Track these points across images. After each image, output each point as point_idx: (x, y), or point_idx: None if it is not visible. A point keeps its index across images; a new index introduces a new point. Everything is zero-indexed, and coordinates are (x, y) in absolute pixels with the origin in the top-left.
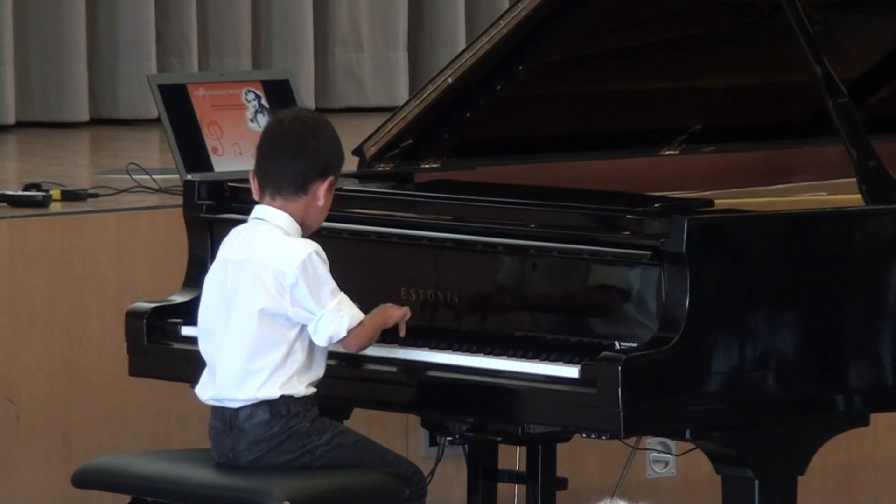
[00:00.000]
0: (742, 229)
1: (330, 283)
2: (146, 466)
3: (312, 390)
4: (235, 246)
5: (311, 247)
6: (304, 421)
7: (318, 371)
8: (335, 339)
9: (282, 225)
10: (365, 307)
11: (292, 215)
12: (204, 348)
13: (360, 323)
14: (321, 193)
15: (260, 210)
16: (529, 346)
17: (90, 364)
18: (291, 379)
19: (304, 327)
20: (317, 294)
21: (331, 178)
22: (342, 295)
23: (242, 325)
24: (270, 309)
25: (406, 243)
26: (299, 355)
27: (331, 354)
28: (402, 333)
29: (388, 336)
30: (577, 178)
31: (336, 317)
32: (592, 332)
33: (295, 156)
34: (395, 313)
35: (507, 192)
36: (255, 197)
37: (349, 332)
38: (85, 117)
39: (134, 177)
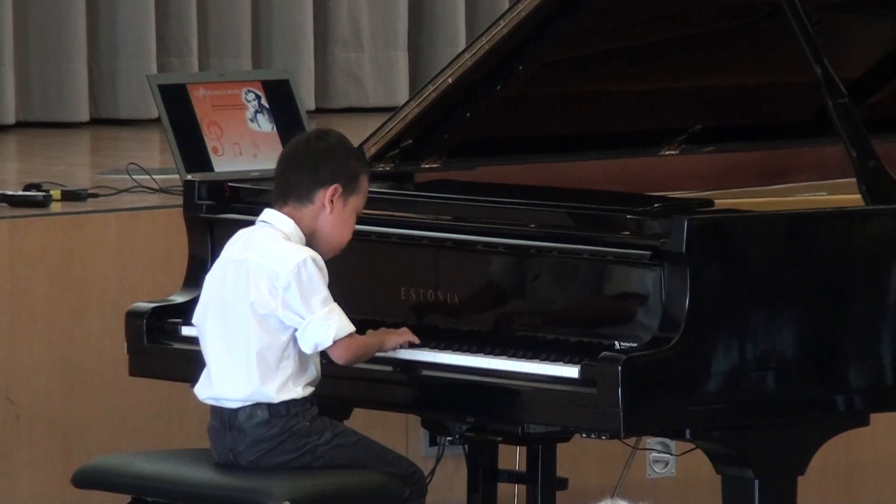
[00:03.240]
0: (742, 229)
1: (323, 292)
2: (146, 466)
3: (311, 390)
4: (238, 246)
5: (308, 253)
6: (304, 420)
7: (313, 373)
8: (320, 348)
9: (285, 230)
10: (365, 307)
11: (299, 223)
12: (202, 346)
13: (350, 335)
14: (326, 201)
15: (267, 214)
16: (529, 346)
17: (90, 364)
18: (287, 383)
19: (295, 332)
20: (308, 300)
21: (335, 186)
22: (335, 305)
23: (238, 326)
24: (259, 307)
25: (406, 243)
26: (291, 360)
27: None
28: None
29: None
30: (577, 178)
31: (324, 325)
32: (592, 332)
33: (303, 165)
34: (394, 339)
35: (507, 192)
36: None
37: (335, 342)
38: (85, 117)
39: (134, 177)
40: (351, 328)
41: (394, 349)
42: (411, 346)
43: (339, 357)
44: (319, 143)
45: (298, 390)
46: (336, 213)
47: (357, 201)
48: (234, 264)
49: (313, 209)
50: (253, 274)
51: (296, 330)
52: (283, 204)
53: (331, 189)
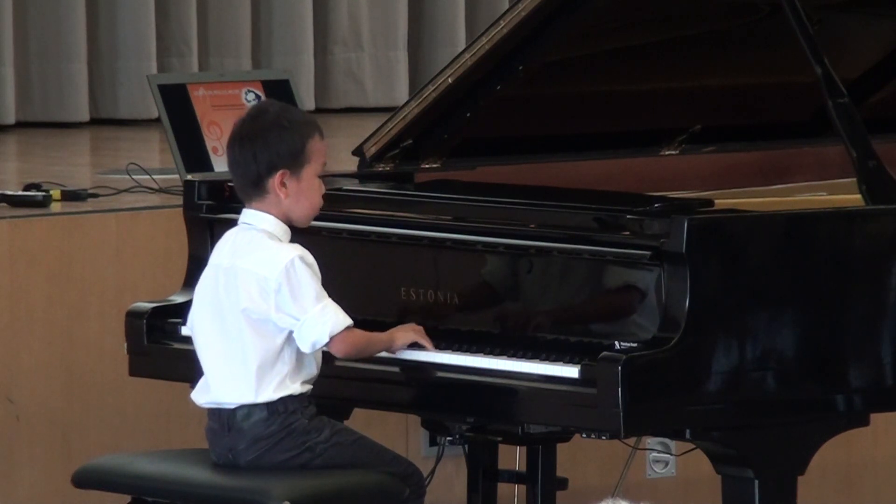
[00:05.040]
0: (742, 229)
1: (314, 289)
2: (146, 466)
3: (308, 387)
4: (225, 252)
5: (296, 252)
6: (303, 418)
7: (311, 370)
8: (318, 346)
9: (267, 228)
10: (365, 307)
11: (273, 214)
12: (198, 352)
13: (349, 328)
14: (278, 188)
15: (246, 214)
16: (529, 346)
17: (90, 364)
18: (284, 381)
19: (291, 334)
20: (300, 300)
21: (282, 172)
22: (328, 301)
23: (232, 332)
24: (252, 313)
25: (406, 243)
26: (287, 360)
27: (332, 354)
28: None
29: None
30: (577, 178)
31: (318, 322)
32: (592, 332)
33: (241, 163)
34: (405, 337)
35: (507, 192)
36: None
37: (332, 337)
38: (85, 117)
39: (134, 177)
40: (347, 321)
41: (404, 346)
42: (409, 346)
43: (338, 351)
44: (253, 127)
45: (296, 387)
46: (293, 192)
47: (312, 167)
48: (224, 271)
49: (272, 197)
50: (242, 280)
51: (291, 332)
52: (249, 200)
53: (277, 177)
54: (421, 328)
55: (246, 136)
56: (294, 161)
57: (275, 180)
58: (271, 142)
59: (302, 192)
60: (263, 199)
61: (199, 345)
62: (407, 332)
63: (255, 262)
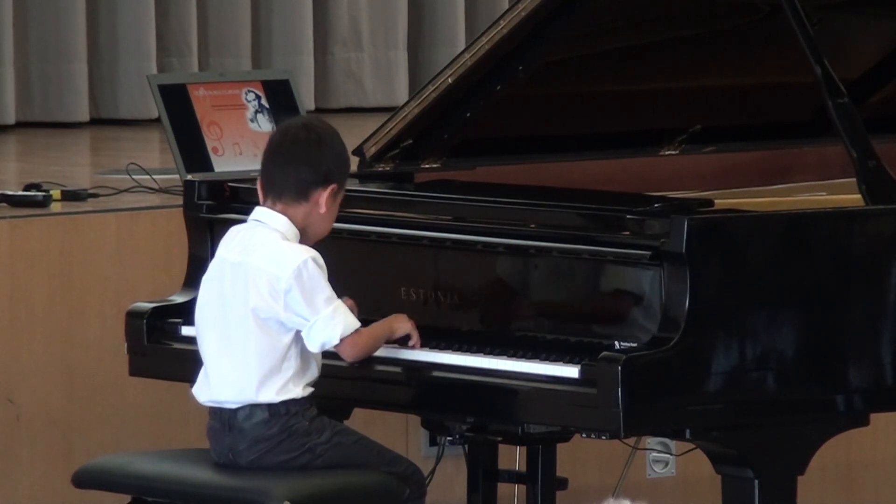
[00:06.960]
0: (742, 229)
1: (326, 291)
2: (146, 466)
3: (310, 390)
4: (233, 247)
5: (308, 253)
6: (304, 420)
7: (314, 372)
8: (327, 346)
9: (279, 229)
10: (365, 307)
11: (292, 220)
12: (200, 347)
13: (357, 331)
14: (322, 201)
15: (259, 212)
16: (529, 346)
17: (90, 364)
18: (287, 384)
19: (298, 333)
20: (311, 300)
21: (333, 186)
22: (339, 302)
23: (237, 329)
24: (261, 312)
25: (406, 243)
26: (293, 361)
27: (332, 354)
28: (417, 346)
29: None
30: (577, 178)
31: (329, 324)
32: (592, 332)
33: (298, 163)
34: (403, 325)
35: (507, 192)
36: (262, 201)
37: (342, 339)
38: (85, 117)
39: (134, 177)
40: (356, 324)
41: (404, 333)
42: (412, 345)
43: (347, 354)
44: (310, 135)
45: (298, 390)
46: (328, 208)
47: (342, 194)
48: (231, 266)
49: (307, 206)
50: (252, 277)
51: (299, 331)
52: (277, 201)
53: (329, 189)
54: (405, 316)
55: (306, 145)
56: (342, 179)
57: (325, 192)
58: (333, 155)
59: (330, 213)
60: (294, 204)
61: (203, 340)
62: (403, 322)
63: (266, 259)
